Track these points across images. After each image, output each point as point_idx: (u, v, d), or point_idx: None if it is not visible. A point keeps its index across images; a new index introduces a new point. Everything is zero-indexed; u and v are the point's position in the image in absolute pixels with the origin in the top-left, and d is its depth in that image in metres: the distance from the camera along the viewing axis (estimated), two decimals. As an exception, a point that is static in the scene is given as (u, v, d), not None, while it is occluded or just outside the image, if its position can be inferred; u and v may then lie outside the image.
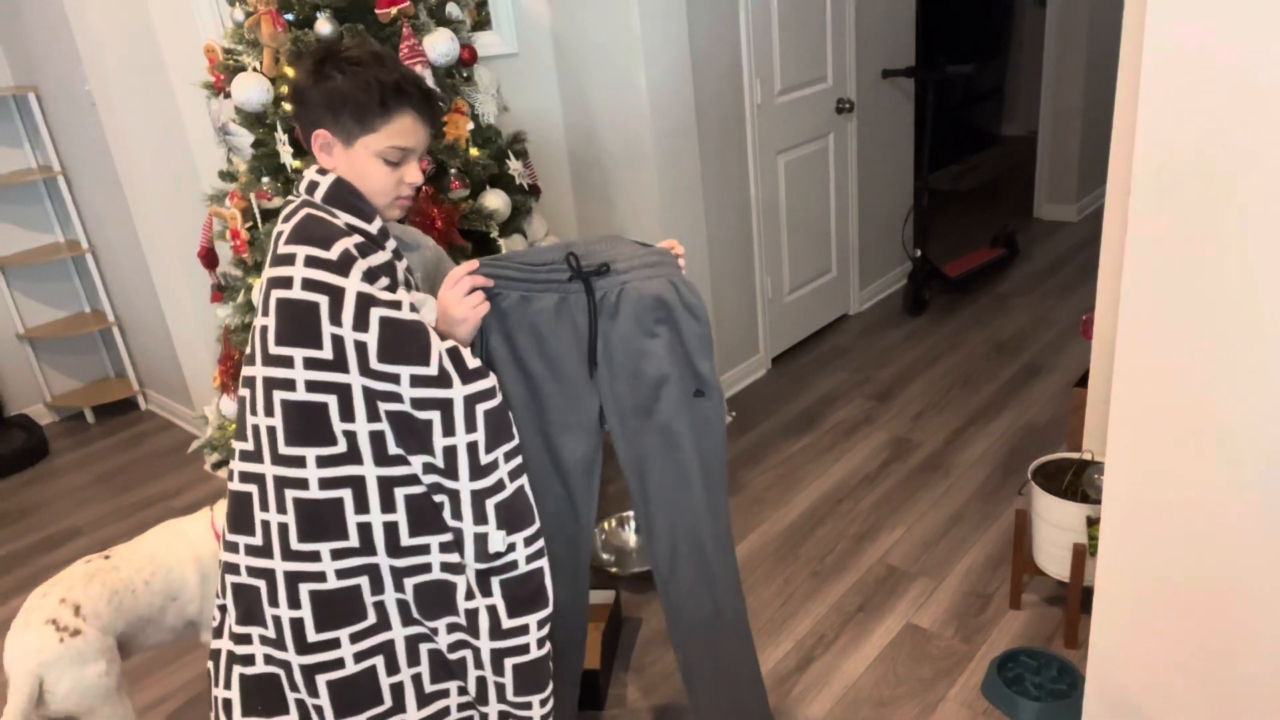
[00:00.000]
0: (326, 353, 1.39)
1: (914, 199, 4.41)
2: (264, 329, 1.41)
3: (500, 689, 1.56)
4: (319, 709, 1.49)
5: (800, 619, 2.42)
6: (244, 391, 1.46)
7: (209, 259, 2.52)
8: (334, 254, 1.40)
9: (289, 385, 1.39)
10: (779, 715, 2.12)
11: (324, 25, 2.17)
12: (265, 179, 2.29)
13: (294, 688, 1.48)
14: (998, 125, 7.31)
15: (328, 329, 1.38)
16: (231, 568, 1.49)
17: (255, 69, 2.21)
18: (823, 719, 2.10)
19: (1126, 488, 1.51)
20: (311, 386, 1.39)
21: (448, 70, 2.36)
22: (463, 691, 1.59)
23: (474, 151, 2.39)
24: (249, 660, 1.49)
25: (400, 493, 1.45)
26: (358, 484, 1.43)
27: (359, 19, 2.24)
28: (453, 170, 2.35)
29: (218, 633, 1.55)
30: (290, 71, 2.20)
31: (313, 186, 1.48)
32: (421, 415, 1.42)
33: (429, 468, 1.45)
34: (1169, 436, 1.43)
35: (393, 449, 1.44)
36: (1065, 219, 5.27)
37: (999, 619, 2.33)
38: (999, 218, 5.46)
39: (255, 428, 1.43)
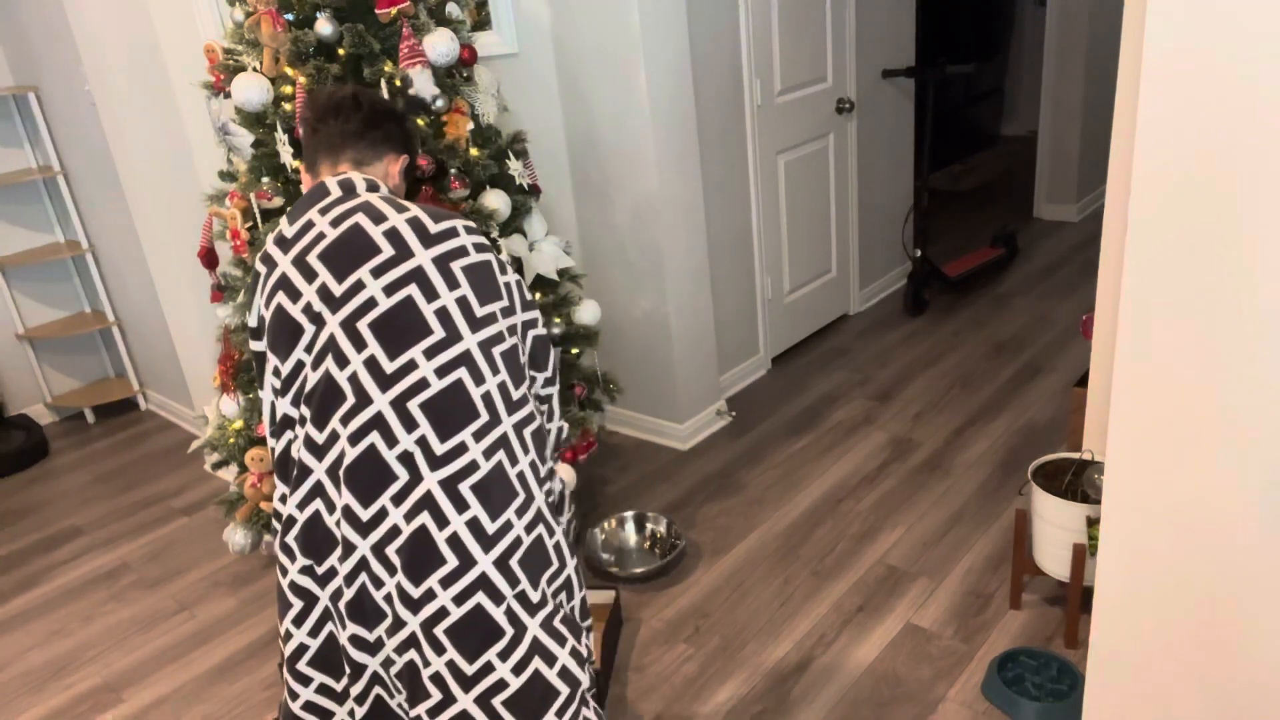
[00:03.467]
0: (505, 300, 1.55)
1: (914, 199, 4.41)
2: (461, 300, 1.48)
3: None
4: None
5: (800, 619, 2.42)
6: (456, 374, 1.45)
7: (209, 259, 2.52)
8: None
9: (499, 339, 1.51)
10: (779, 715, 2.12)
11: (324, 25, 2.18)
12: (265, 179, 2.29)
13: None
14: (998, 125, 7.31)
15: (500, 279, 1.55)
16: (535, 536, 1.52)
17: (255, 69, 2.21)
18: (823, 719, 2.10)
19: (1126, 488, 1.51)
20: (510, 332, 1.55)
21: (448, 70, 2.36)
22: None
23: (474, 151, 2.39)
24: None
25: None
26: (537, 403, 1.65)
27: (359, 19, 2.24)
28: (453, 170, 2.35)
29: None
30: (291, 71, 2.20)
31: (375, 186, 1.62)
32: (547, 332, 1.66)
33: (545, 381, 1.68)
34: (1169, 436, 1.43)
35: (527, 369, 1.63)
36: (1065, 219, 5.27)
37: (999, 619, 2.33)
38: (999, 218, 5.46)
39: (486, 395, 1.47)
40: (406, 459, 1.42)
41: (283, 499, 1.55)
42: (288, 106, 2.21)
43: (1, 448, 3.75)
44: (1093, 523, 2.09)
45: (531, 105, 3.20)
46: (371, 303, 1.44)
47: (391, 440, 1.42)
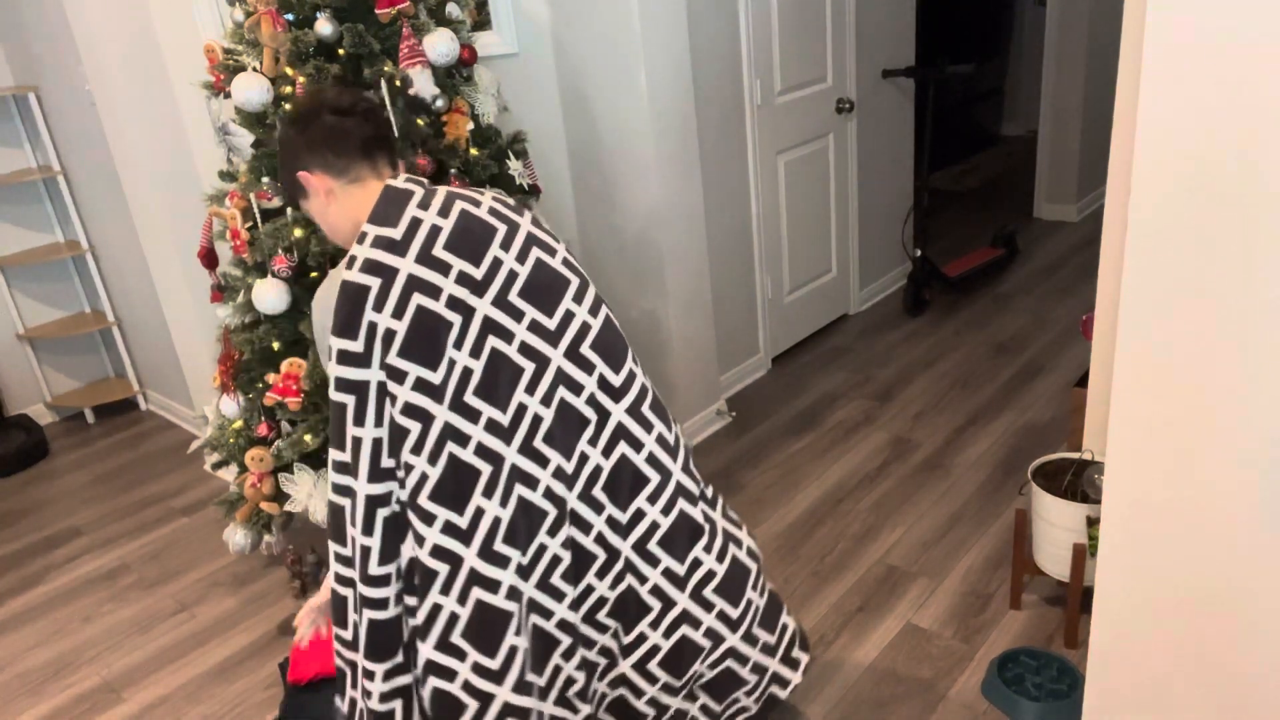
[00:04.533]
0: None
1: (914, 199, 4.41)
2: (568, 249, 1.61)
3: None
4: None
5: (800, 619, 2.41)
6: (604, 311, 1.59)
7: (209, 259, 2.52)
8: None
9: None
10: (779, 715, 2.12)
11: (324, 25, 2.18)
12: (265, 179, 2.29)
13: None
14: (998, 125, 7.30)
15: None
16: (687, 444, 1.73)
17: (255, 69, 2.21)
18: (823, 719, 2.10)
19: (1126, 488, 1.51)
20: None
21: (448, 70, 2.36)
22: None
23: (474, 151, 2.39)
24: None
25: None
26: None
27: (359, 19, 2.24)
28: (453, 170, 2.35)
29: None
30: (291, 71, 2.20)
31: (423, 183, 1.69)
32: None
33: None
34: (1169, 436, 1.43)
35: None
36: (1065, 219, 5.27)
37: (999, 619, 2.33)
38: (999, 218, 5.46)
39: (622, 327, 1.65)
40: (592, 401, 1.55)
41: (453, 528, 1.47)
42: (288, 107, 2.21)
43: (1, 448, 3.75)
44: (1093, 523, 2.09)
45: (531, 105, 3.20)
46: (513, 274, 1.51)
47: (577, 388, 1.53)
